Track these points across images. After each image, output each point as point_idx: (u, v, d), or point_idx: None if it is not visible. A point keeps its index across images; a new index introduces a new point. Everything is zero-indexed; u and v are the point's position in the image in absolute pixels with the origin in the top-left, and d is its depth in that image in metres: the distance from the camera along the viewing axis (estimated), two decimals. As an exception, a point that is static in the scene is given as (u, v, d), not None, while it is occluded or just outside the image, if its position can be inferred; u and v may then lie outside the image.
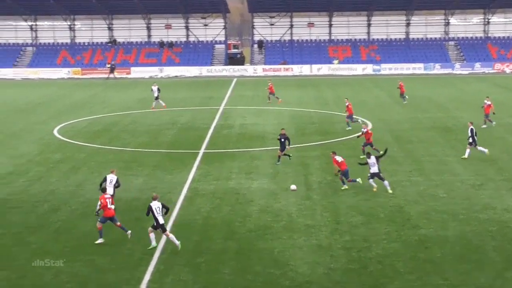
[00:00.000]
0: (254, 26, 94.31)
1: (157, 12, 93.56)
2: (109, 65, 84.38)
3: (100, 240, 22.04)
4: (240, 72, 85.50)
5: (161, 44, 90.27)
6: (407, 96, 53.47)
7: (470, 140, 33.54)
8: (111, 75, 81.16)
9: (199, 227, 23.66)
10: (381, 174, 27.81)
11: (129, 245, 21.67)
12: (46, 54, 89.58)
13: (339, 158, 28.61)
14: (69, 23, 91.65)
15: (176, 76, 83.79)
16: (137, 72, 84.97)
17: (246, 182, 29.58)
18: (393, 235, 22.33)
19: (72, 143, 38.86)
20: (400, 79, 59.71)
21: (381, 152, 30.03)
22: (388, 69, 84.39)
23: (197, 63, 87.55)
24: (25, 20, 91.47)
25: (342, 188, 28.12)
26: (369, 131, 34.79)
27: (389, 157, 31.54)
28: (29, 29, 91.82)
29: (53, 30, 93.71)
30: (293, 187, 28.11)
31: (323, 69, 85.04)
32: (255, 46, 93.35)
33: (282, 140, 32.90)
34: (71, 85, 74.25)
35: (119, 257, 20.77)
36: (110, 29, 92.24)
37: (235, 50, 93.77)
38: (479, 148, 33.47)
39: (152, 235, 21.57)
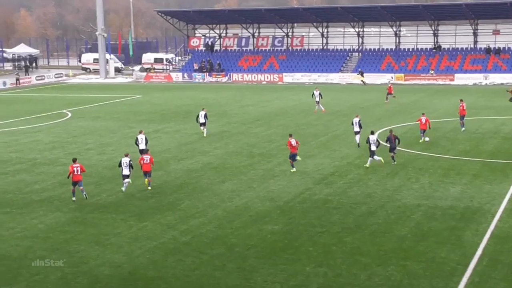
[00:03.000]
0: None
1: (485, 17, 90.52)
2: (432, 72, 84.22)
3: (73, 198, 28.65)
4: None
5: (488, 50, 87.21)
6: None
7: None
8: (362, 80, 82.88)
9: (519, 241, 22.51)
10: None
11: (444, 254, 21.38)
12: (371, 60, 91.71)
13: (293, 142, 33.29)
14: (394, 29, 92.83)
15: (501, 84, 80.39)
16: (461, 79, 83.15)
17: None
18: None
19: (391, 148, 39.33)
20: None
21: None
22: None
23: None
24: (353, 27, 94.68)
25: (291, 170, 33.15)
26: (421, 120, 40.47)
27: None
28: (356, 35, 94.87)
29: (379, 36, 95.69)
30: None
31: None
32: None
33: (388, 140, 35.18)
34: (394, 90, 75.02)
35: (433, 264, 20.59)
36: (435, 35, 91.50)
37: None
38: None
39: (125, 183, 29.70)
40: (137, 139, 35.98)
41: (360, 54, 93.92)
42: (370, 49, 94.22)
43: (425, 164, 34.83)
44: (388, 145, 35.11)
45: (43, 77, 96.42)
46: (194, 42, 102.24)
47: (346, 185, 30.88)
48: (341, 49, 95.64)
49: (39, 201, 29.10)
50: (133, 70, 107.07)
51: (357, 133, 39.71)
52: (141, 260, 21.56)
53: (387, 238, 23.21)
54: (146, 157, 30.38)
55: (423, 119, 40.64)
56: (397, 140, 34.68)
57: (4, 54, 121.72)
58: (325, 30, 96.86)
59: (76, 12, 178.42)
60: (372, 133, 34.92)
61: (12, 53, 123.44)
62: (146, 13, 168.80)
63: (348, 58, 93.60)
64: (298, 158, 33.82)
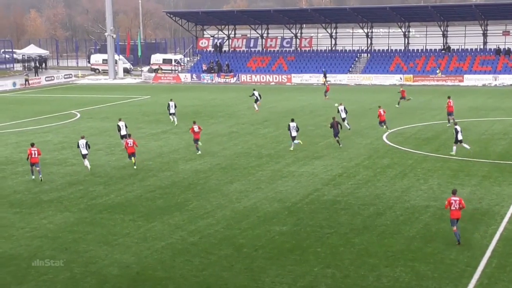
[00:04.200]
0: None
1: (495, 18, 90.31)
2: (439, 72, 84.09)
3: (32, 177, 32.88)
4: None
5: (498, 51, 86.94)
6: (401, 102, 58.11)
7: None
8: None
9: (528, 243, 22.44)
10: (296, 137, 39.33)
11: (453, 255, 21.34)
12: (380, 61, 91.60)
13: (196, 128, 38.84)
14: (403, 30, 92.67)
15: (511, 85, 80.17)
16: (470, 80, 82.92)
17: None
18: None
19: (400, 149, 39.30)
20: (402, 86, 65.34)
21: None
22: None
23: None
24: (362, 28, 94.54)
25: (198, 153, 38.44)
26: (381, 112, 44.69)
27: None
28: (364, 36, 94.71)
29: (388, 37, 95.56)
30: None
31: None
32: None
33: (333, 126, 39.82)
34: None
35: (441, 266, 20.56)
36: (444, 35, 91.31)
37: None
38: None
39: (86, 162, 34.62)
40: (118, 126, 41.49)
41: (368, 55, 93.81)
42: (378, 50, 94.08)
43: (434, 165, 34.78)
44: (333, 131, 40.07)
45: (53, 78, 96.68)
46: (202, 43, 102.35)
47: (354, 186, 30.86)
48: (349, 50, 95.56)
49: (48, 201, 29.22)
50: (141, 71, 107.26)
51: (344, 119, 45.80)
52: (149, 260, 21.62)
53: (395, 239, 23.19)
54: (130, 141, 35.62)
55: (381, 111, 45.12)
56: (339, 126, 40.18)
57: (14, 55, 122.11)
58: (334, 31, 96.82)
59: (86, 13, 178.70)
60: (292, 120, 39.91)
61: (22, 54, 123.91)
62: (155, 14, 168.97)
63: (356, 59, 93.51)
64: (199, 143, 39.18)
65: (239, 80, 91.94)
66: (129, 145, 35.57)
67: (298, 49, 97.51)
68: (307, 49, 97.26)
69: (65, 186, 31.88)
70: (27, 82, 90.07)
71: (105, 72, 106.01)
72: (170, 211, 27.23)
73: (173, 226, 25.15)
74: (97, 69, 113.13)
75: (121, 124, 41.55)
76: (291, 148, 39.38)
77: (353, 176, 32.85)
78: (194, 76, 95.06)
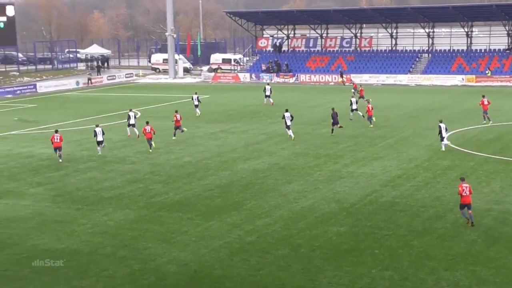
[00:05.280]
0: None
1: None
2: (488, 72, 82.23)
3: (60, 160, 37.27)
4: None
5: None
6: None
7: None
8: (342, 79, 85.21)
9: None
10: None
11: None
12: (441, 61, 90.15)
13: (178, 117, 43.87)
14: (466, 30, 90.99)
15: None
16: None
17: None
18: None
19: (461, 151, 38.60)
20: (361, 85, 65.49)
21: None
22: None
23: None
24: (423, 28, 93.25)
25: (173, 138, 43.76)
26: (369, 107, 48.02)
27: None
28: (426, 36, 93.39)
29: (450, 37, 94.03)
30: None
31: None
32: None
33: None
34: (464, 92, 73.75)
35: (504, 270, 20.13)
36: (509, 35, 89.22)
37: None
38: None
39: (99, 148, 39.25)
40: (128, 116, 45.08)
41: (429, 55, 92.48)
42: (440, 50, 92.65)
43: (496, 167, 34.06)
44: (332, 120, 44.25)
45: (114, 77, 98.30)
46: (262, 42, 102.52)
47: (413, 187, 30.47)
48: (410, 50, 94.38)
49: (109, 198, 29.72)
50: (201, 70, 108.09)
51: (356, 109, 50.38)
52: (206, 258, 21.77)
53: (455, 242, 22.80)
54: (148, 127, 40.07)
55: (370, 106, 48.50)
56: (338, 115, 44.21)
57: (78, 55, 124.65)
58: (394, 31, 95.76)
59: (147, 13, 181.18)
60: (287, 110, 43.73)
61: (85, 54, 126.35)
62: (215, 14, 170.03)
63: (417, 59, 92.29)
64: (184, 129, 44.32)
65: (298, 80, 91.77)
66: (147, 131, 40.00)
67: (358, 49, 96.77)
68: (367, 49, 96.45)
69: (125, 184, 32.37)
70: (89, 81, 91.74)
71: (165, 72, 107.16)
72: (228, 210, 27.37)
73: (230, 225, 25.27)
74: (158, 68, 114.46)
75: (131, 114, 45.36)
76: (292, 137, 42.72)
77: (412, 177, 32.43)
78: (253, 75, 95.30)
